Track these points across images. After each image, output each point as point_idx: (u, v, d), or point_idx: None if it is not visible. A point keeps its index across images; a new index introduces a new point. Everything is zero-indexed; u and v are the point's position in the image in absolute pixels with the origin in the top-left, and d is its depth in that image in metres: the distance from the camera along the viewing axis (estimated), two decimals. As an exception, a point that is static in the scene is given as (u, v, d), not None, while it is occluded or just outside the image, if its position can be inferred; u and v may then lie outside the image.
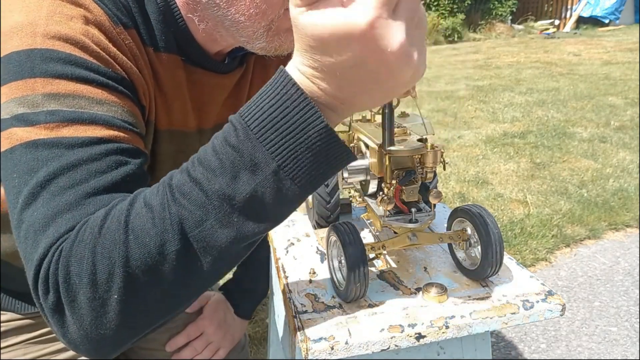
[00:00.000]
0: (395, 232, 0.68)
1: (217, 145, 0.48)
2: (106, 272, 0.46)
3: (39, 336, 0.86)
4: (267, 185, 0.46)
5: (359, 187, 0.80)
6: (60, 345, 0.87)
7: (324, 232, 0.78)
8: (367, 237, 0.81)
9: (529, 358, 1.62)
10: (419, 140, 0.66)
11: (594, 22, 10.65)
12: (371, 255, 0.66)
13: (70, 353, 0.87)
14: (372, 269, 0.72)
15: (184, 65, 0.70)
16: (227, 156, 0.46)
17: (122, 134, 0.55)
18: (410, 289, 0.67)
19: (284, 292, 0.69)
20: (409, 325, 0.59)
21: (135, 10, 0.63)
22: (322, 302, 0.64)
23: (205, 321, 1.01)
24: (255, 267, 1.06)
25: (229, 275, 1.16)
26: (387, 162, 0.65)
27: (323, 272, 0.72)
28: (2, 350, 0.82)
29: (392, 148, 0.64)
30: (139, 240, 0.46)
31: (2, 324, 0.83)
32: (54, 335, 0.86)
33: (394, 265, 0.74)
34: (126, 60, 0.60)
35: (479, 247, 0.64)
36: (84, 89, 0.54)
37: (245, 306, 1.07)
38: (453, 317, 0.60)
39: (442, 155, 0.65)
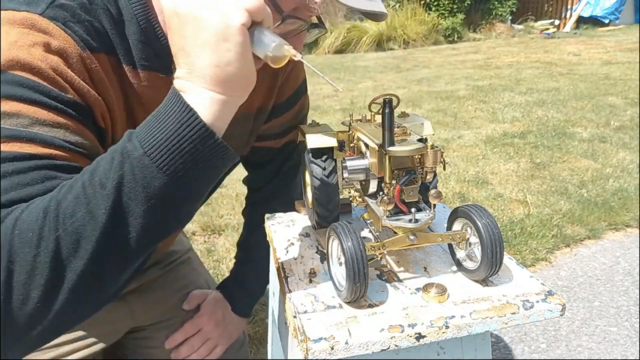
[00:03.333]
0: (395, 232, 0.68)
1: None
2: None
3: None
4: (135, 172, 0.50)
5: (359, 187, 0.80)
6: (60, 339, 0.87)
7: (324, 232, 0.78)
8: (367, 237, 0.81)
9: (529, 358, 1.62)
10: (419, 140, 0.66)
11: (594, 22, 10.64)
12: (371, 255, 0.66)
13: (66, 349, 0.88)
14: (372, 269, 0.72)
15: (164, 78, 0.73)
16: (111, 150, 0.53)
17: (59, 152, 0.59)
18: (410, 289, 0.67)
19: (284, 292, 0.69)
20: (409, 325, 0.59)
21: (114, 33, 0.67)
22: (322, 302, 0.64)
23: (202, 318, 1.01)
24: (253, 266, 1.06)
25: (227, 273, 1.16)
26: (387, 162, 0.65)
27: (323, 272, 0.72)
28: None
29: (392, 148, 0.64)
30: (22, 235, 0.50)
31: None
32: None
33: (394, 265, 0.74)
34: (84, 85, 0.64)
35: (479, 247, 0.64)
36: (29, 110, 0.58)
37: (243, 304, 1.08)
38: (453, 317, 0.60)
39: (442, 155, 0.65)
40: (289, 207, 0.93)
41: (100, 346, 0.93)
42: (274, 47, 0.54)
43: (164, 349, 0.99)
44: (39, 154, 0.57)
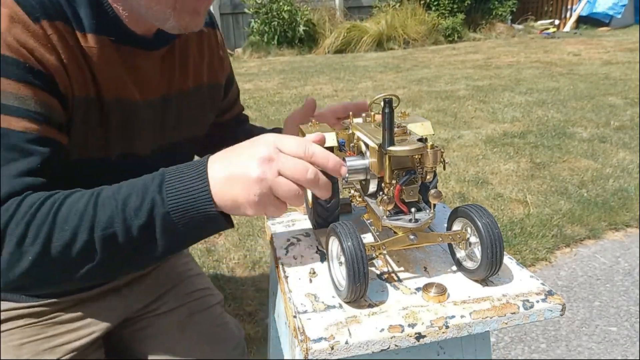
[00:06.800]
0: (395, 232, 0.68)
1: (140, 180, 0.64)
2: (31, 240, 0.60)
3: (38, 322, 0.87)
4: (159, 222, 0.62)
5: (359, 187, 0.80)
6: (58, 330, 0.88)
7: (324, 232, 0.78)
8: (367, 237, 0.81)
9: (529, 358, 1.62)
10: (419, 140, 0.66)
11: (594, 22, 10.63)
12: (371, 255, 0.66)
13: (67, 338, 0.88)
14: (372, 269, 0.72)
15: (115, 45, 0.78)
16: (138, 190, 0.63)
17: (32, 125, 0.65)
18: (410, 289, 0.67)
19: (284, 292, 0.69)
20: (409, 325, 0.59)
21: (64, 2, 0.72)
22: (322, 302, 0.64)
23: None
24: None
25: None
26: (387, 162, 0.65)
27: (323, 272, 0.72)
28: (2, 334, 0.84)
29: (392, 148, 0.64)
30: (59, 226, 0.61)
31: (2, 313, 0.84)
32: (52, 320, 0.87)
33: (394, 265, 0.74)
34: (44, 52, 0.67)
35: (479, 247, 0.64)
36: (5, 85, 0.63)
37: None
38: (453, 317, 0.60)
39: (442, 155, 0.65)
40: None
41: (95, 333, 0.93)
42: None
43: (164, 352, 0.99)
44: (13, 129, 0.63)
